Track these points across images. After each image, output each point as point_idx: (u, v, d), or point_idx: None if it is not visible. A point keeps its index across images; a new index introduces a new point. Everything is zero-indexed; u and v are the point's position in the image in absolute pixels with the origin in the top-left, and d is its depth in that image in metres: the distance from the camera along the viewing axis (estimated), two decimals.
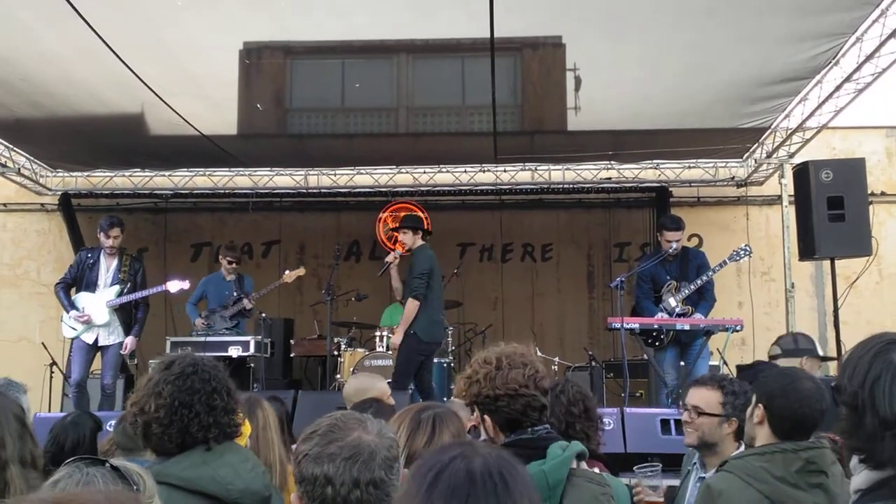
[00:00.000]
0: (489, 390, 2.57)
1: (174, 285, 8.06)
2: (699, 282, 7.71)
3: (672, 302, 7.75)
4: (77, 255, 8.45)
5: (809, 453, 2.84)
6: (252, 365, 8.60)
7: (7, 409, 2.38)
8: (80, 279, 8.03)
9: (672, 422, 6.36)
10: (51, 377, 9.06)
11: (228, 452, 2.55)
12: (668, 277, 7.86)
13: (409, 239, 7.91)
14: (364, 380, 4.74)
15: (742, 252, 7.79)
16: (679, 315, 7.70)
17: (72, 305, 7.96)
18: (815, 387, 3.02)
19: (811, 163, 8.29)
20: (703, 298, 7.81)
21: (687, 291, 7.74)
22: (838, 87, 7.69)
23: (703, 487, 2.91)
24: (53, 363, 9.13)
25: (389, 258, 7.98)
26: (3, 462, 2.26)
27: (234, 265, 9.06)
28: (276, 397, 4.63)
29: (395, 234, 8.10)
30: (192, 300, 9.27)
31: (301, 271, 8.91)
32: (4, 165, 9.66)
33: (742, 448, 3.52)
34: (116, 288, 7.91)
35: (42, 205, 11.37)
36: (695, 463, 3.75)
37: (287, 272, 8.85)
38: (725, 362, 8.16)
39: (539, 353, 8.19)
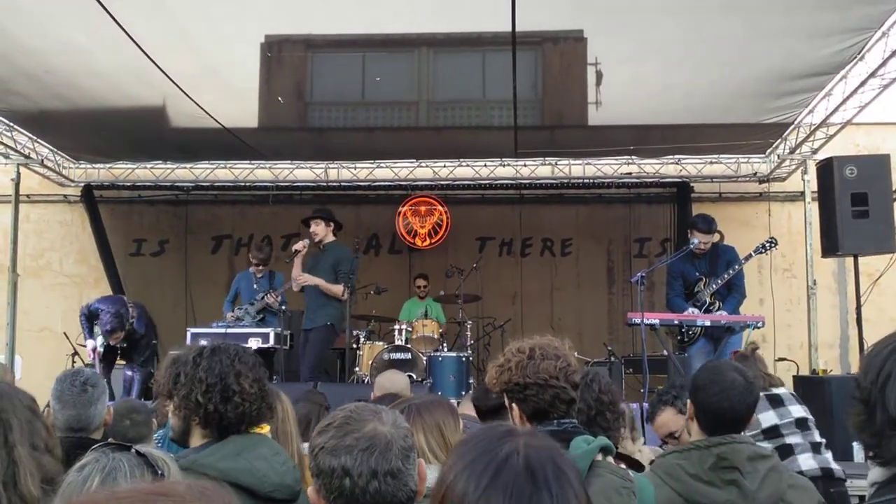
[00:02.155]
0: (520, 378, 2.58)
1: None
2: (726, 276, 7.67)
3: (701, 297, 7.71)
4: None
5: (720, 449, 2.80)
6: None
7: (13, 397, 2.41)
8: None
9: None
10: (73, 366, 9.14)
11: (261, 445, 2.57)
12: (697, 274, 7.82)
13: (321, 230, 8.09)
14: (394, 376, 4.85)
15: (768, 244, 7.75)
16: (707, 310, 7.66)
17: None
18: (740, 380, 2.93)
19: (835, 159, 8.21)
20: (732, 292, 7.76)
21: (715, 286, 7.69)
22: (863, 83, 7.61)
23: None
24: (75, 353, 9.23)
25: (298, 246, 8.04)
26: (11, 444, 2.30)
27: (259, 267, 9.13)
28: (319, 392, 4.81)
29: (306, 223, 8.23)
30: (228, 298, 9.34)
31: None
32: (28, 157, 9.75)
33: None
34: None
35: (65, 196, 11.46)
36: None
37: None
38: None
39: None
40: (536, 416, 2.60)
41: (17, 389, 2.48)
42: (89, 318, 8.40)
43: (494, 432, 1.29)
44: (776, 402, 4.08)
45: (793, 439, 4.03)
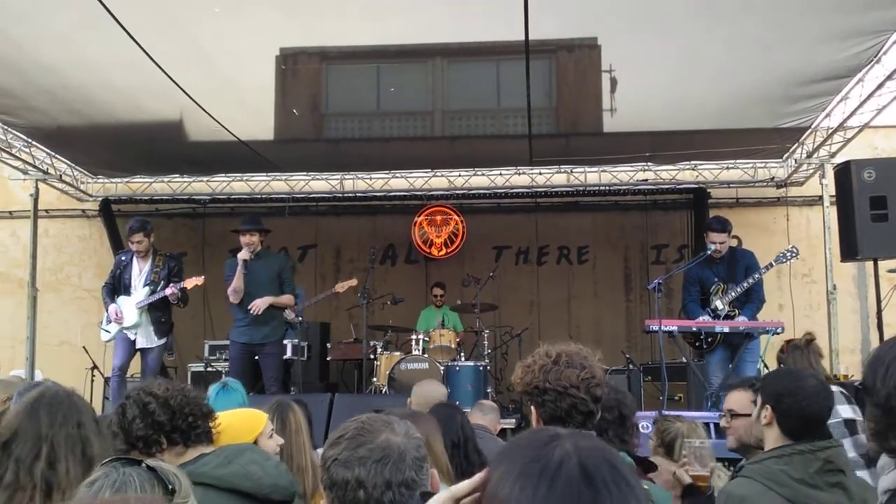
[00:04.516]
0: (540, 382, 2.56)
1: (190, 282, 8.05)
2: (746, 284, 7.59)
3: (719, 304, 7.64)
4: (115, 258, 8.57)
5: (827, 453, 2.81)
6: (290, 368, 8.64)
7: (87, 410, 2.53)
8: (117, 282, 8.13)
9: (712, 425, 6.27)
10: (92, 381, 9.20)
11: (250, 451, 2.62)
12: (716, 279, 7.75)
13: (256, 240, 8.03)
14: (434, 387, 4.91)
15: (789, 254, 7.67)
16: (726, 317, 7.60)
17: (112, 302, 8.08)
18: (819, 384, 3.02)
19: (853, 162, 8.14)
20: (750, 299, 7.69)
21: (734, 294, 7.62)
22: (880, 86, 7.55)
23: (722, 495, 2.87)
24: (94, 367, 9.28)
25: (245, 255, 7.95)
26: (89, 459, 2.39)
27: None
28: (300, 401, 4.72)
29: (241, 232, 8.06)
30: None
31: (353, 282, 8.90)
32: (46, 172, 9.83)
33: None
34: (147, 290, 7.98)
35: (83, 211, 11.55)
36: None
37: (339, 283, 8.88)
38: (766, 365, 8.05)
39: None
40: (553, 424, 2.58)
41: (84, 400, 2.58)
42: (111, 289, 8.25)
43: (540, 436, 1.23)
44: None
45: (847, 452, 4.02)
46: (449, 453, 3.35)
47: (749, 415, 3.47)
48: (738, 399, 3.60)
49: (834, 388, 4.25)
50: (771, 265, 7.71)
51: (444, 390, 4.83)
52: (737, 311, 7.63)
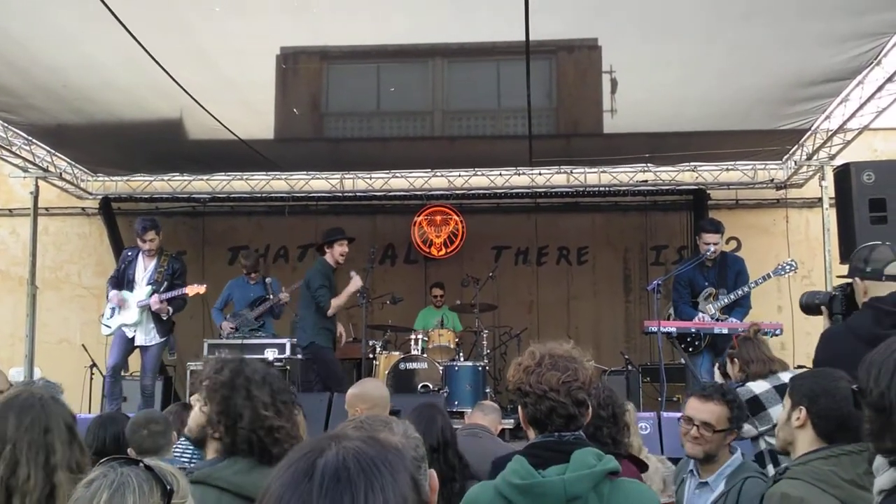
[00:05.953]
0: (523, 384, 2.54)
1: (192, 289, 8.11)
2: (739, 293, 7.63)
3: (710, 309, 7.66)
4: (122, 253, 8.63)
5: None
6: (288, 367, 8.63)
7: (59, 416, 2.47)
8: (121, 276, 8.16)
9: None
10: (91, 378, 9.19)
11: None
12: (706, 283, 7.77)
13: None
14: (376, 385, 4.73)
15: (788, 267, 7.69)
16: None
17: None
18: (850, 386, 2.92)
19: (852, 164, 8.14)
20: (738, 305, 7.72)
21: (725, 301, 7.65)
22: (880, 88, 7.56)
23: (775, 496, 2.80)
24: (94, 364, 9.27)
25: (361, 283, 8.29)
26: (52, 467, 2.34)
27: (252, 275, 9.24)
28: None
29: (337, 242, 8.29)
30: (217, 305, 9.36)
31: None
32: (46, 170, 9.82)
33: (737, 454, 3.56)
34: (149, 289, 8.00)
35: (83, 209, 11.54)
36: (690, 470, 3.72)
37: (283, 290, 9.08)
38: None
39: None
40: (535, 425, 2.57)
41: (60, 406, 2.53)
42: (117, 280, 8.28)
43: (320, 438, 1.28)
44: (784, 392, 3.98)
45: None
46: (428, 458, 3.28)
47: (724, 430, 3.48)
48: (715, 413, 3.53)
49: (787, 375, 4.10)
50: (769, 276, 7.73)
51: (385, 389, 4.49)
52: (726, 317, 7.68)
